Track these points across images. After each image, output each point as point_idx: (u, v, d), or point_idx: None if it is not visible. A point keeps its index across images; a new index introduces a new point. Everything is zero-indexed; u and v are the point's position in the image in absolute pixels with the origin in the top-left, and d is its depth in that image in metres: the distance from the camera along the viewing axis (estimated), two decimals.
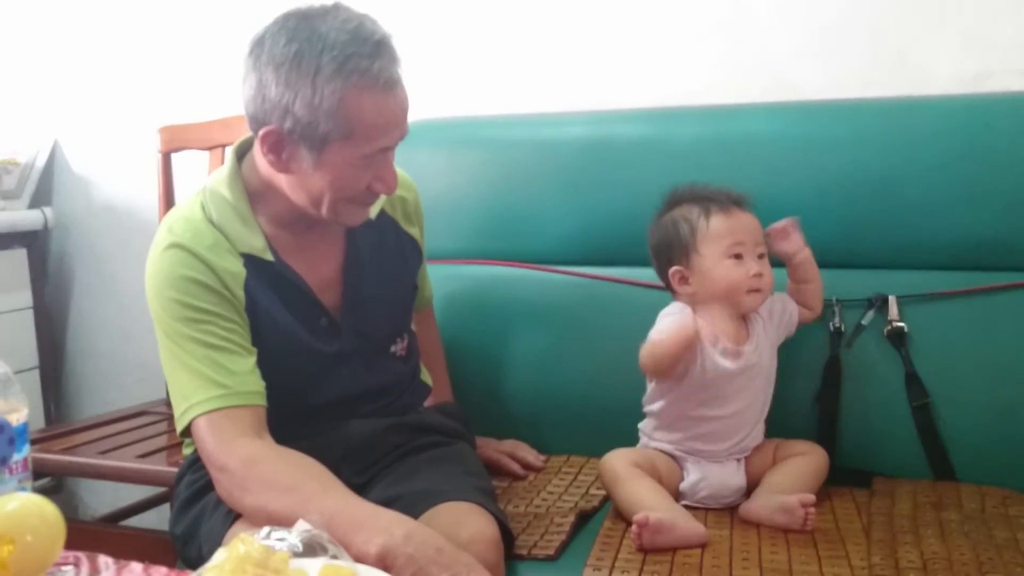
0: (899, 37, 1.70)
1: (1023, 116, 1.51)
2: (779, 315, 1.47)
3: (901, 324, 1.48)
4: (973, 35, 1.66)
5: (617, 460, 1.40)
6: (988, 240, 1.49)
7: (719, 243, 1.39)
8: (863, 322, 1.50)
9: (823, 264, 1.55)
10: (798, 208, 1.56)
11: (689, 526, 1.27)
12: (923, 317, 1.49)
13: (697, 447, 1.42)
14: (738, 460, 1.42)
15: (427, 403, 1.53)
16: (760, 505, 1.32)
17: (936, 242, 1.52)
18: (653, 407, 1.46)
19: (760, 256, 1.41)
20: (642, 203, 1.54)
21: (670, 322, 1.40)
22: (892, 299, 1.50)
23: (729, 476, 1.40)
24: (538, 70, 1.96)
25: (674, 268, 1.43)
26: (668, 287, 1.47)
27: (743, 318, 1.44)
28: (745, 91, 1.78)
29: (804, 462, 1.40)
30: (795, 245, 1.46)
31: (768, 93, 1.76)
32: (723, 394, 1.40)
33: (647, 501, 1.31)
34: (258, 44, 1.19)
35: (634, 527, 1.24)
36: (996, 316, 1.47)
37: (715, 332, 1.37)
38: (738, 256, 1.39)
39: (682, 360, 1.38)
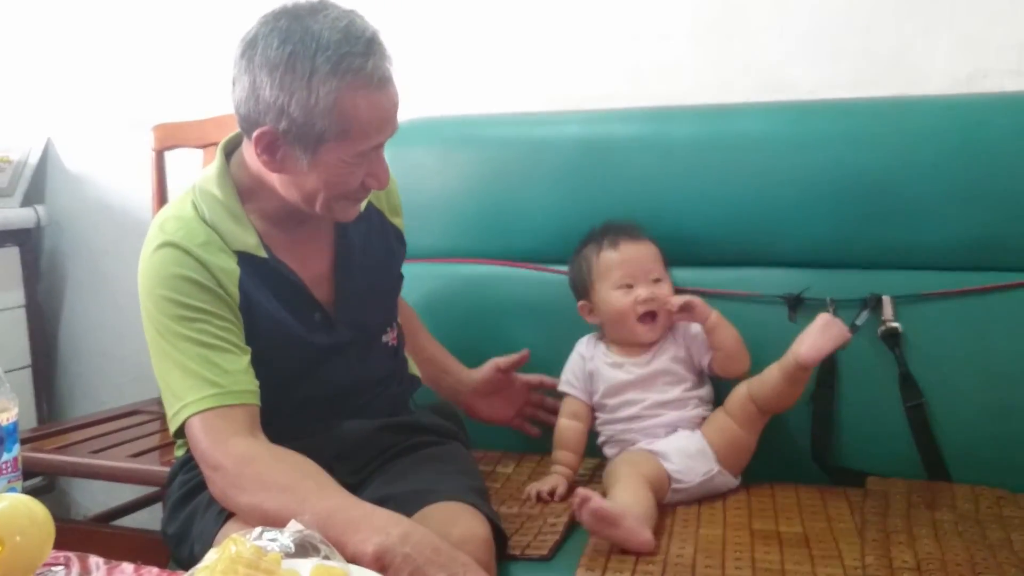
0: (893, 37, 1.70)
1: (1017, 116, 1.51)
2: (694, 336, 1.51)
3: (895, 324, 1.48)
4: (967, 35, 1.66)
5: (622, 465, 1.42)
6: (983, 240, 1.49)
7: (609, 277, 1.51)
8: (857, 322, 1.50)
9: (817, 264, 1.55)
10: (792, 208, 1.57)
11: (635, 528, 1.24)
12: (917, 317, 1.49)
13: (632, 437, 1.47)
14: (691, 430, 1.45)
15: (436, 372, 1.59)
16: (808, 347, 1.37)
17: (930, 242, 1.52)
18: None
19: (656, 281, 1.50)
20: (634, 203, 1.54)
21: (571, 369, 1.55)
22: (886, 299, 1.50)
23: (684, 441, 1.43)
24: (531, 69, 1.95)
25: (581, 302, 1.56)
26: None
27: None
28: (738, 90, 1.78)
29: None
30: (699, 316, 1.47)
31: (762, 92, 1.76)
32: (624, 397, 1.49)
33: (620, 496, 1.33)
34: (250, 46, 1.18)
35: (575, 498, 1.26)
36: (990, 316, 1.47)
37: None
38: (628, 286, 1.49)
39: None
